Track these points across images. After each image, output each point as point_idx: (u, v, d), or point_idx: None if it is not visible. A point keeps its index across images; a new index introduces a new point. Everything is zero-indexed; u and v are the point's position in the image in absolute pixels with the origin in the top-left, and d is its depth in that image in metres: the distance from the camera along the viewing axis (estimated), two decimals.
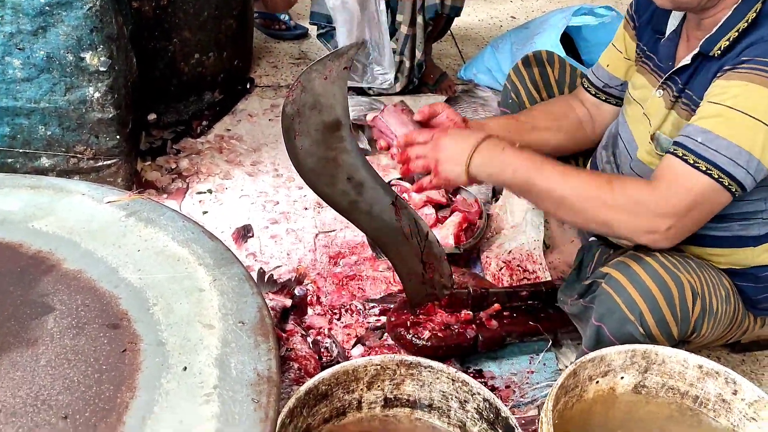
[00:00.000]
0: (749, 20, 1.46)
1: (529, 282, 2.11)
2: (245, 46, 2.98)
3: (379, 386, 1.41)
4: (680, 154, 1.43)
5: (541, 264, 2.18)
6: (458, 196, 2.34)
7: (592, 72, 1.94)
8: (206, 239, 1.43)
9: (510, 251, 2.23)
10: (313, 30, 3.24)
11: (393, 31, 2.84)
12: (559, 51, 2.78)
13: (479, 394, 1.34)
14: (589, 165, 1.96)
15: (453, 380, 1.37)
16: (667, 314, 1.47)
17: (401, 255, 1.82)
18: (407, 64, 2.83)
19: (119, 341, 1.22)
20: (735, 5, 1.48)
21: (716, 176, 1.40)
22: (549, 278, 2.13)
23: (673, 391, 1.45)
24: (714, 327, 1.59)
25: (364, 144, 2.61)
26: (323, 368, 1.86)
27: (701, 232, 1.63)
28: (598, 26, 2.97)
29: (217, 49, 2.78)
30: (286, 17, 3.37)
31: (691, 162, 1.41)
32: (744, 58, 1.41)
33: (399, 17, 2.80)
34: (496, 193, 2.46)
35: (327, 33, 2.79)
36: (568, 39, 2.99)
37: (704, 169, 1.40)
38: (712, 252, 1.66)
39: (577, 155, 2.07)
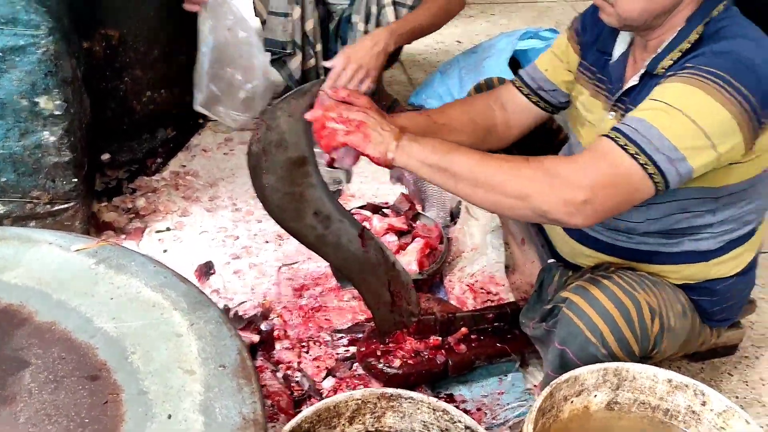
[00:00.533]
0: (692, 41, 1.52)
1: (494, 304, 2.15)
2: None
3: (360, 420, 1.42)
4: (613, 136, 1.43)
5: (503, 285, 2.22)
6: (418, 222, 2.37)
7: (526, 73, 1.94)
8: (179, 283, 1.43)
9: (472, 274, 2.26)
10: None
11: None
12: (508, 74, 2.84)
13: (461, 421, 1.36)
14: None
15: (434, 410, 1.39)
16: (627, 333, 1.53)
17: (369, 285, 1.84)
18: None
19: (100, 393, 1.21)
20: (679, 28, 1.54)
21: (642, 162, 1.39)
22: (512, 299, 2.18)
23: (645, 405, 1.50)
24: (673, 342, 1.65)
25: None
26: (296, 403, 1.87)
27: (654, 249, 1.70)
28: (543, 49, 3.04)
29: (169, 85, 2.78)
30: None
31: (622, 144, 1.41)
32: (687, 65, 1.46)
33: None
34: (454, 217, 2.50)
35: (280, 59, 2.81)
36: (514, 62, 3.05)
37: (633, 152, 1.40)
38: (666, 269, 1.71)
39: None
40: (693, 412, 1.46)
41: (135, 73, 2.66)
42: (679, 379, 1.46)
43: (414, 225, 2.36)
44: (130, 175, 2.61)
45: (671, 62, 1.53)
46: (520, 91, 1.93)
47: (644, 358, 1.63)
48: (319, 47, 2.84)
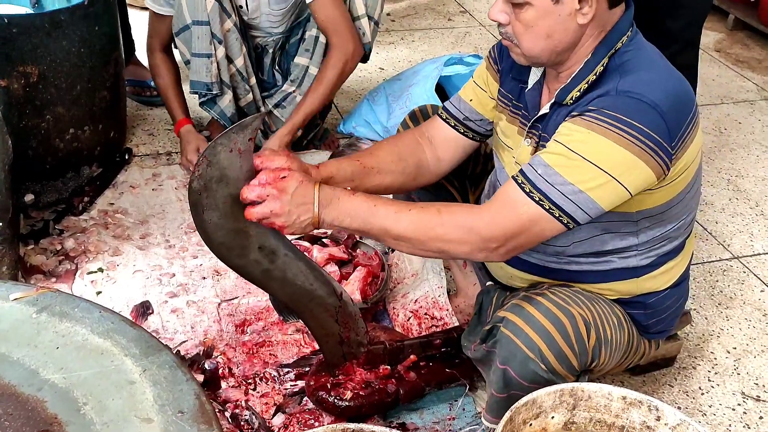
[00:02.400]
0: (597, 73, 1.57)
1: (439, 329, 2.15)
2: (120, 117, 2.91)
3: None
4: (519, 181, 1.52)
5: (447, 310, 2.23)
6: (358, 250, 2.36)
7: (451, 104, 1.95)
8: (128, 328, 1.38)
9: (416, 300, 2.27)
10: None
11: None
12: (435, 100, 2.88)
13: None
14: None
15: None
16: (564, 348, 1.56)
17: (317, 318, 1.82)
18: None
19: None
20: (585, 59, 1.59)
21: (547, 207, 1.49)
22: (457, 323, 2.19)
23: (601, 423, 1.52)
24: (611, 354, 1.68)
25: None
26: None
27: (585, 268, 1.74)
28: (468, 74, 3.09)
29: (92, 122, 2.70)
30: None
31: (527, 191, 1.50)
32: (590, 108, 1.51)
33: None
34: None
35: (209, 100, 2.77)
36: (439, 88, 3.09)
37: (537, 199, 1.49)
38: (599, 287, 1.75)
39: (465, 182, 2.14)
40: (648, 427, 1.49)
41: (57, 111, 2.58)
42: (633, 396, 1.49)
43: (354, 253, 2.35)
44: (56, 215, 2.51)
45: (579, 93, 1.58)
46: (447, 122, 1.94)
47: (585, 372, 1.66)
48: (253, 81, 2.82)
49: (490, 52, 1.90)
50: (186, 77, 2.77)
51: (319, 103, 2.75)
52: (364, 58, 2.85)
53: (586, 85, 1.57)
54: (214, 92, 2.70)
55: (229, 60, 2.71)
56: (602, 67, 1.57)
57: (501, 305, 1.77)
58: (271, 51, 2.86)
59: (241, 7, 2.68)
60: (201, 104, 2.78)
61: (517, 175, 1.54)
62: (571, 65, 1.62)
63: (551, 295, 1.60)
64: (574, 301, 1.61)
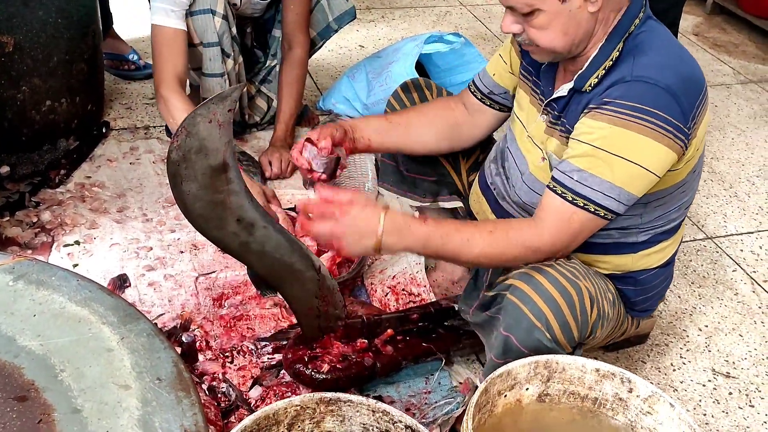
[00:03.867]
0: (613, 59, 1.60)
1: (416, 304, 2.16)
2: (97, 90, 2.88)
3: (299, 426, 1.40)
4: (559, 192, 1.60)
5: (425, 286, 2.24)
6: None
7: (478, 77, 2.04)
8: (106, 296, 1.38)
9: (394, 276, 2.28)
10: None
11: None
12: (414, 77, 2.87)
13: (401, 421, 1.37)
14: (477, 177, 2.03)
15: (373, 411, 1.39)
16: (569, 319, 1.58)
17: (295, 291, 1.83)
18: (275, 100, 2.88)
19: (30, 414, 1.15)
20: (600, 44, 1.62)
21: (592, 210, 1.58)
22: (434, 299, 2.20)
23: (574, 395, 1.54)
24: (604, 329, 1.72)
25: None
26: (223, 414, 1.83)
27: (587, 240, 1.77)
28: (448, 52, 3.09)
29: (69, 94, 2.67)
30: (135, 56, 3.28)
31: (570, 199, 1.58)
32: (606, 99, 1.56)
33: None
34: None
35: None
36: (418, 66, 3.09)
37: (582, 204, 1.58)
38: (597, 258, 1.79)
39: (457, 153, 2.17)
40: (620, 399, 1.51)
41: (33, 82, 2.55)
42: (606, 368, 1.51)
43: None
44: (32, 188, 2.49)
45: (596, 80, 1.62)
46: (474, 95, 2.03)
47: (580, 345, 1.69)
48: (243, 80, 2.80)
49: None
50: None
51: (299, 100, 2.82)
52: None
53: (603, 71, 1.61)
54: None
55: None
56: (618, 53, 1.60)
57: (500, 271, 1.78)
58: (249, 31, 2.86)
59: (235, 5, 2.64)
60: None
61: (555, 186, 1.61)
62: (587, 51, 1.65)
63: (559, 267, 1.63)
64: (581, 274, 1.64)
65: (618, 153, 1.53)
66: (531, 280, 1.59)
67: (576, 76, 1.65)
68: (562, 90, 1.69)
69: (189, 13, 2.47)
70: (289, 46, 2.77)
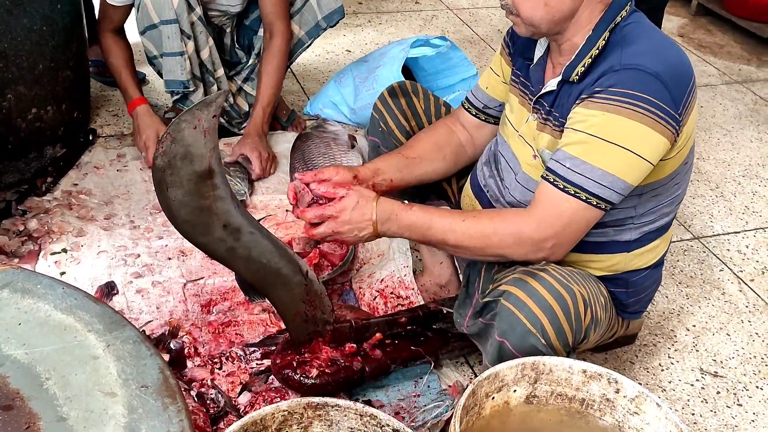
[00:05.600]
0: (600, 47, 1.61)
1: (405, 308, 2.17)
2: (84, 97, 2.87)
3: None
4: (551, 180, 1.59)
5: (413, 289, 2.24)
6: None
7: (472, 94, 2.05)
8: (91, 304, 1.37)
9: (382, 279, 2.28)
10: (150, 74, 3.18)
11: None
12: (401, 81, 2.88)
13: (389, 425, 1.37)
14: (469, 180, 2.03)
15: (361, 415, 1.39)
16: (564, 324, 1.58)
17: (282, 296, 1.82)
18: None
19: (16, 423, 1.15)
20: (587, 34, 1.63)
21: (584, 198, 1.56)
22: (422, 302, 2.20)
23: (562, 397, 1.54)
24: (597, 333, 1.72)
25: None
26: (212, 421, 1.83)
27: (583, 238, 1.76)
28: (434, 56, 3.10)
29: (55, 101, 2.66)
30: None
31: (561, 187, 1.57)
32: (598, 88, 1.56)
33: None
34: None
35: (182, 97, 2.76)
36: (405, 69, 3.10)
37: (573, 192, 1.56)
38: (590, 258, 1.79)
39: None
40: (607, 399, 1.52)
41: (18, 90, 2.54)
42: (593, 369, 1.51)
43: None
44: (19, 196, 2.48)
45: (583, 68, 1.62)
46: (469, 112, 2.04)
47: (574, 349, 1.69)
48: (220, 72, 2.81)
49: (504, 37, 1.96)
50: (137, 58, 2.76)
51: (278, 89, 2.82)
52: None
53: (590, 60, 1.62)
54: (191, 89, 2.69)
55: (196, 53, 2.71)
56: (604, 41, 1.61)
57: (491, 278, 1.78)
58: (228, 30, 2.87)
59: None
60: (175, 102, 2.79)
61: (547, 175, 1.60)
62: (571, 37, 1.66)
63: (552, 272, 1.62)
64: (574, 278, 1.64)
65: (611, 140, 1.53)
66: (525, 285, 1.59)
67: (564, 68, 1.66)
68: (551, 84, 1.69)
69: None
70: (270, 36, 2.78)
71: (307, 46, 2.91)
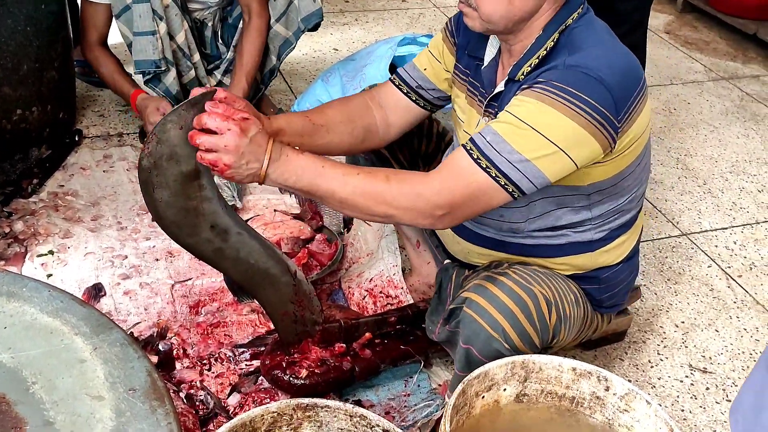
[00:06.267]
0: (547, 48, 1.59)
1: (394, 307, 2.16)
2: (69, 97, 2.85)
3: None
4: (468, 148, 1.53)
5: (402, 288, 2.24)
6: (318, 235, 2.36)
7: (405, 71, 1.94)
8: (78, 306, 1.36)
9: (371, 279, 2.27)
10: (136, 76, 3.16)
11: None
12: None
13: (378, 425, 1.36)
14: None
15: (351, 416, 1.39)
16: (527, 326, 1.58)
17: (271, 296, 1.82)
18: None
19: (2, 428, 1.14)
20: (537, 35, 1.61)
21: (494, 175, 1.50)
22: (412, 301, 2.20)
23: (552, 395, 1.54)
24: (569, 330, 1.71)
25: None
26: (202, 422, 1.82)
27: (541, 242, 1.76)
28: None
29: (41, 102, 2.64)
30: None
31: (475, 157, 1.51)
32: (540, 79, 1.53)
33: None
34: (347, 224, 2.50)
35: (154, 77, 2.74)
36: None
37: (485, 166, 1.50)
38: (555, 261, 1.78)
39: (417, 159, 2.13)
40: (597, 397, 1.52)
41: (3, 91, 2.51)
42: (582, 367, 1.52)
43: (317, 237, 2.34)
44: (4, 198, 2.46)
45: (530, 68, 1.60)
46: (399, 89, 1.92)
47: (545, 349, 1.69)
48: (196, 57, 2.80)
49: (447, 23, 1.89)
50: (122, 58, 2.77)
51: (256, 65, 2.80)
52: (316, 27, 2.90)
53: (537, 61, 1.59)
54: (162, 68, 2.68)
55: (170, 36, 2.71)
56: (552, 42, 1.59)
57: (461, 284, 1.78)
58: (210, 24, 2.87)
59: None
60: (146, 82, 2.76)
61: (467, 143, 1.54)
62: (524, 38, 1.63)
63: (513, 275, 1.61)
64: (535, 279, 1.63)
65: (539, 129, 1.48)
66: (485, 291, 1.59)
67: (511, 68, 1.63)
68: (500, 86, 1.67)
69: None
70: (248, 17, 2.77)
71: (293, 48, 2.91)
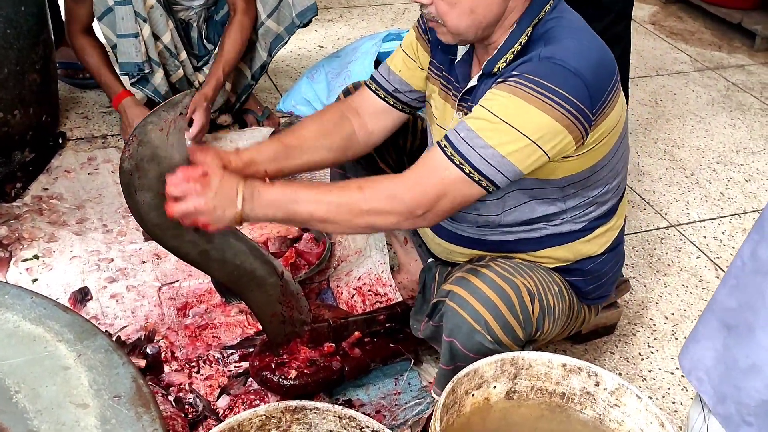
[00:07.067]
0: (522, 43, 1.58)
1: (383, 305, 2.15)
2: (52, 100, 2.82)
3: None
4: (442, 145, 1.53)
5: (390, 286, 2.23)
6: (306, 234, 2.34)
7: (380, 75, 1.90)
8: (61, 313, 1.34)
9: (359, 277, 2.26)
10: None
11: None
12: None
13: (368, 427, 1.35)
14: None
15: (340, 418, 1.37)
16: (510, 319, 1.57)
17: (258, 297, 1.81)
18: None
19: None
20: (510, 30, 1.60)
21: (467, 171, 1.50)
22: (401, 298, 2.19)
23: (542, 391, 1.54)
24: (554, 322, 1.71)
25: None
26: (191, 426, 1.81)
27: (520, 237, 1.75)
28: None
29: (22, 105, 2.61)
30: None
31: (449, 154, 1.51)
32: (514, 73, 1.52)
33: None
34: None
35: (141, 79, 2.72)
36: (377, 64, 3.07)
37: (458, 162, 1.50)
38: (536, 255, 1.77)
39: (403, 160, 2.10)
40: (588, 393, 1.51)
41: None
42: (572, 363, 1.51)
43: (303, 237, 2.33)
44: None
45: (505, 64, 1.59)
46: (377, 94, 1.89)
47: (530, 342, 1.68)
48: (183, 56, 2.78)
49: (418, 21, 1.86)
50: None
51: (235, 59, 2.78)
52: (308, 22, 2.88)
53: (512, 56, 1.58)
54: (146, 71, 2.66)
55: (156, 37, 2.68)
56: (526, 37, 1.58)
57: (444, 281, 1.78)
58: (195, 25, 2.84)
59: None
60: (132, 84, 2.73)
61: (441, 140, 1.54)
62: (498, 39, 1.62)
63: (495, 267, 1.61)
64: (518, 271, 1.62)
65: (512, 123, 1.48)
66: (468, 284, 1.59)
67: (485, 63, 1.62)
68: (474, 80, 1.66)
69: None
70: (234, 13, 2.76)
71: (285, 42, 2.89)
